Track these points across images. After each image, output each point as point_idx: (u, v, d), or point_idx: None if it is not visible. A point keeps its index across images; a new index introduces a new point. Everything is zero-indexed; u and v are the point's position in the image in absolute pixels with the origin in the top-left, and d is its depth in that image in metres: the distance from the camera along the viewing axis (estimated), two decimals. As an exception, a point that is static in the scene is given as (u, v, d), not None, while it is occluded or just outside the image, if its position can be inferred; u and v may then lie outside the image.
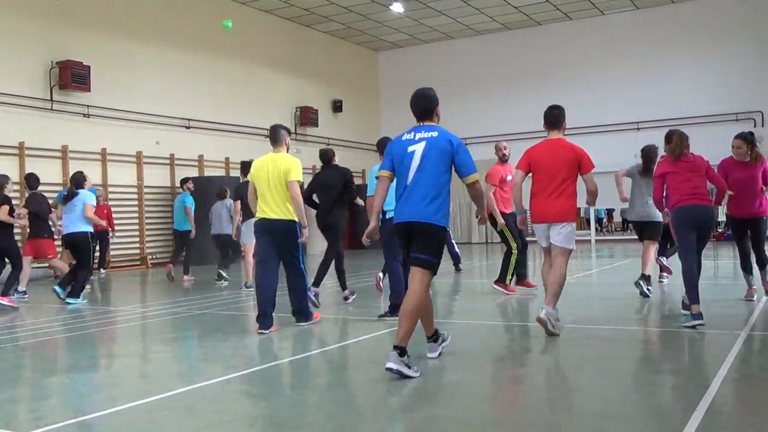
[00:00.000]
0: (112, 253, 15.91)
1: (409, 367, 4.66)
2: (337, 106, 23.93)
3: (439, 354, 5.26)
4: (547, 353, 5.70)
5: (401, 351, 4.65)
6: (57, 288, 9.84)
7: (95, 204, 10.13)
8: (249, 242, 10.44)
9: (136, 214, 16.73)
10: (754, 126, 20.60)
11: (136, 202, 16.77)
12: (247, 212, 10.13)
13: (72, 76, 15.13)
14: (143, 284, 13.45)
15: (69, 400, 4.62)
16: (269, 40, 21.25)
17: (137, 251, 16.86)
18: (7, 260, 9.72)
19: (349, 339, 6.61)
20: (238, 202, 10.77)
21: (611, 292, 9.86)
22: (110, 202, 15.75)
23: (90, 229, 9.86)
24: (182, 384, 4.82)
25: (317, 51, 23.04)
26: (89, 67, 15.54)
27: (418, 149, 4.91)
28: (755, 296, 7.78)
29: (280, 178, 6.71)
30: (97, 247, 14.91)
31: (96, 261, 14.99)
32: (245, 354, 6.07)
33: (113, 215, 15.17)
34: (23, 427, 3.80)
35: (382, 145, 7.37)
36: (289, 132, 7.23)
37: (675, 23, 21.87)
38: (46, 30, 15.25)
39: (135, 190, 16.78)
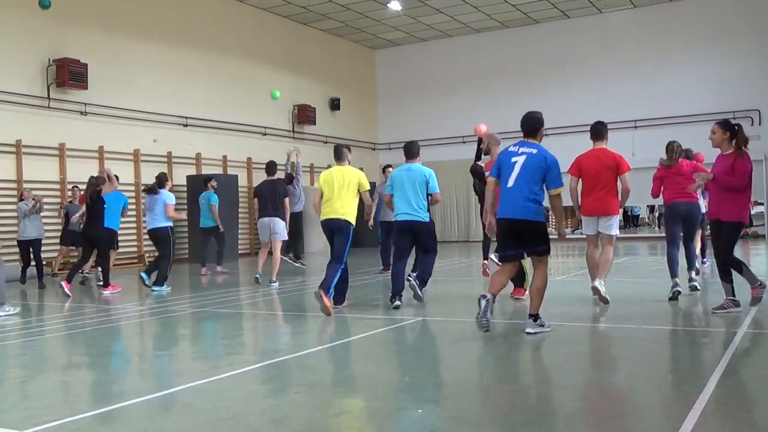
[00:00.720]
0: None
1: (542, 326, 6.07)
2: (334, 104, 23.92)
3: (535, 333, 6.03)
4: (543, 351, 5.70)
5: (535, 317, 6.06)
6: (143, 274, 10.82)
7: (174, 203, 11.00)
8: (263, 239, 11.17)
9: (134, 212, 16.70)
10: (752, 124, 20.63)
11: (133, 201, 16.74)
12: (262, 210, 10.97)
13: (69, 74, 15.11)
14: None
15: (67, 398, 4.62)
16: (267, 38, 21.23)
17: (134, 249, 16.84)
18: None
19: (348, 337, 6.61)
20: (256, 200, 11.29)
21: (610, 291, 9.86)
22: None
23: (170, 224, 10.87)
24: (180, 382, 4.81)
25: (315, 49, 23.02)
26: (87, 64, 15.52)
27: (520, 161, 6.08)
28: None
29: (348, 186, 8.00)
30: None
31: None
32: (244, 352, 6.07)
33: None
34: (21, 426, 3.80)
35: (407, 149, 8.36)
36: (349, 149, 8.53)
37: (673, 21, 21.88)
38: (44, 28, 15.22)
39: (132, 188, 16.76)
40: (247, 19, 20.60)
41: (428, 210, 8.06)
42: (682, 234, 8.19)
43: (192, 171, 18.27)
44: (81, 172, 15.71)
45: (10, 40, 14.62)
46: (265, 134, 20.90)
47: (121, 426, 3.86)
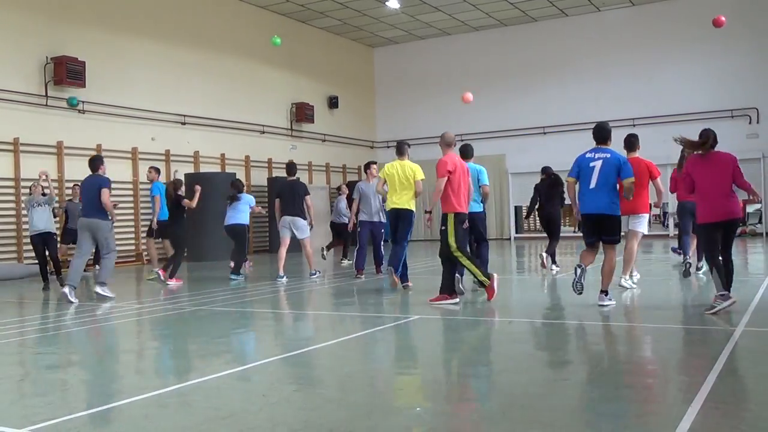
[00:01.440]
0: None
1: (610, 300, 7.33)
2: (332, 102, 23.90)
3: (605, 305, 7.26)
4: (541, 348, 5.71)
5: (606, 293, 7.34)
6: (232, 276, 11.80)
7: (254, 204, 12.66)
8: (283, 236, 11.56)
9: (131, 211, 16.69)
10: (749, 122, 20.66)
11: (131, 199, 16.74)
12: (284, 209, 11.44)
13: (67, 72, 15.08)
14: (147, 280, 13.42)
15: (63, 395, 4.61)
16: (265, 36, 21.17)
17: (132, 248, 16.82)
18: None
19: (347, 335, 6.61)
20: (278, 200, 11.73)
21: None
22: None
23: (247, 221, 12.36)
24: (178, 380, 4.81)
25: (313, 47, 23.00)
26: (84, 62, 15.50)
27: (597, 165, 7.34)
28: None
29: (408, 179, 9.55)
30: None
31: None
32: (243, 349, 6.07)
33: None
34: (19, 424, 3.79)
35: (463, 151, 9.51)
36: (409, 146, 10.12)
37: (670, 20, 21.89)
38: (41, 25, 15.20)
39: (130, 186, 16.75)
40: (245, 16, 20.58)
41: (482, 202, 9.34)
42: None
43: (190, 169, 18.26)
44: (79, 170, 15.65)
45: (7, 37, 14.60)
46: (263, 132, 20.89)
47: (120, 424, 3.85)
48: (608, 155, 7.37)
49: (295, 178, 11.86)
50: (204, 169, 18.46)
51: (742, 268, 10.78)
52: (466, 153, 9.42)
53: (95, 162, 9.87)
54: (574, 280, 7.37)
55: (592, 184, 7.30)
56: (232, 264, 12.13)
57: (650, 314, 7.25)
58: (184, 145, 18.31)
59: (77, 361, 5.85)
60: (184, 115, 18.25)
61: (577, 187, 7.48)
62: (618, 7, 22.38)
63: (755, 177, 15.12)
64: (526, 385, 4.40)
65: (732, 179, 6.80)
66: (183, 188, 12.09)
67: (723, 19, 10.85)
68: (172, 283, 11.29)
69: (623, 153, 8.33)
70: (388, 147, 26.03)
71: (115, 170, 16.41)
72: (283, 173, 21.01)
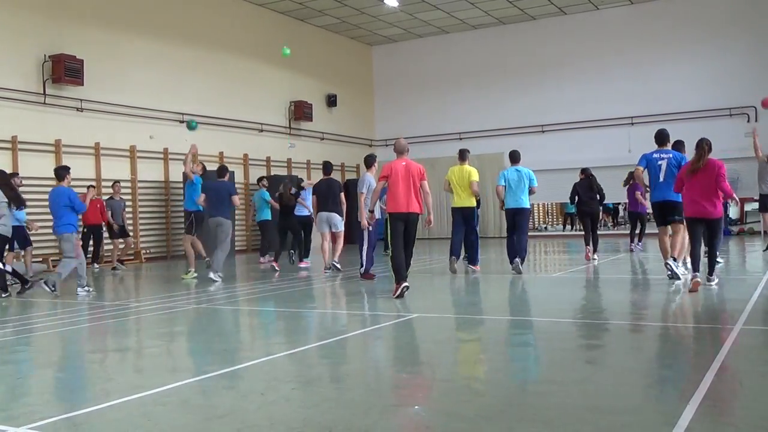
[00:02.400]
0: (106, 247, 15.87)
1: (677, 267, 9.11)
2: (331, 101, 23.89)
3: (671, 275, 9.12)
4: (539, 347, 5.72)
5: (674, 258, 9.14)
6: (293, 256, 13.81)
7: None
8: (322, 231, 12.41)
9: (130, 209, 16.68)
10: (747, 121, 20.66)
11: (129, 197, 16.72)
12: (321, 206, 12.35)
13: (65, 70, 15.07)
14: (147, 278, 13.41)
15: (62, 394, 4.61)
16: (263, 34, 21.19)
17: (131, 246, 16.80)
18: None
19: (346, 333, 6.61)
20: (314, 197, 12.62)
21: (606, 286, 9.89)
22: (103, 197, 15.71)
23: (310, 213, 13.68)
24: (177, 378, 4.81)
25: (311, 45, 22.99)
26: (83, 60, 15.49)
27: (663, 163, 9.27)
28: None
29: (466, 181, 11.26)
30: (91, 242, 14.94)
31: (90, 255, 15.01)
32: (242, 348, 6.07)
33: (106, 210, 15.14)
34: (16, 422, 3.79)
35: (513, 157, 11.55)
36: (469, 152, 12.12)
37: (669, 18, 21.90)
38: (40, 23, 15.18)
39: (129, 184, 16.74)
40: (243, 15, 20.56)
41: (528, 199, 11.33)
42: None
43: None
44: (77, 168, 15.67)
45: (5, 35, 14.58)
46: (262, 130, 20.88)
47: (118, 423, 3.85)
48: (669, 155, 9.29)
49: (331, 176, 12.79)
50: (202, 167, 18.43)
51: (740, 266, 10.78)
52: (514, 158, 11.43)
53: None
54: (671, 274, 9.18)
55: (661, 179, 9.21)
56: (275, 259, 13.03)
57: (649, 312, 7.26)
58: (183, 143, 18.27)
59: (73, 358, 5.84)
60: (183, 113, 18.23)
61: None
62: (617, 5, 22.39)
63: (754, 175, 15.17)
64: (524, 383, 4.40)
65: (716, 184, 8.12)
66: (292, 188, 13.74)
67: None
68: (264, 263, 13.44)
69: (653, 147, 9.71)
70: (387, 145, 26.03)
71: (113, 169, 16.43)
72: (282, 172, 21.09)
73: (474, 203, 11.35)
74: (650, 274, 11.07)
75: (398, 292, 8.39)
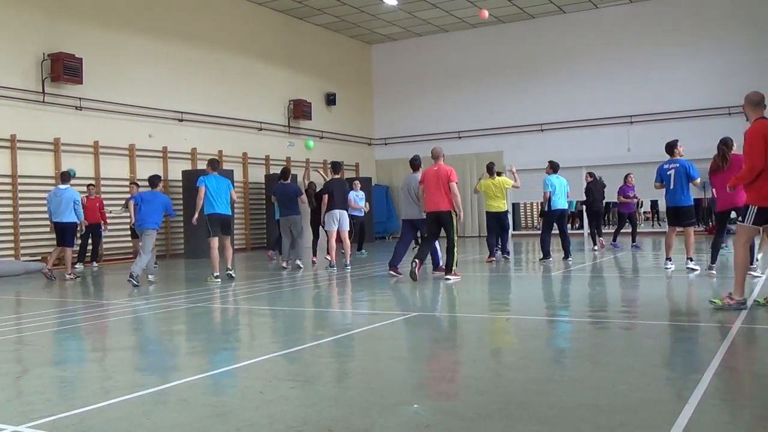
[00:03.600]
0: (105, 246, 15.87)
1: (695, 264, 10.09)
2: (330, 99, 23.89)
3: (693, 270, 9.97)
4: (538, 345, 5.72)
5: (691, 259, 10.15)
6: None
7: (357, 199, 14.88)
8: (331, 229, 12.81)
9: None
10: (747, 120, 20.64)
11: (128, 196, 16.68)
12: (332, 204, 12.71)
13: (64, 69, 15.06)
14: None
15: (61, 393, 4.61)
16: (262, 33, 21.18)
17: (130, 244, 16.78)
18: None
19: (345, 332, 6.61)
20: (326, 196, 12.92)
21: (605, 285, 9.90)
22: (102, 196, 15.72)
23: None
24: (176, 377, 4.81)
25: (310, 44, 22.99)
26: (81, 59, 15.48)
27: (672, 172, 10.26)
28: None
29: (500, 188, 13.31)
30: (90, 240, 14.94)
31: (89, 254, 15.01)
32: (241, 347, 6.07)
33: (105, 208, 15.15)
34: (15, 421, 3.79)
35: (553, 166, 13.31)
36: (494, 164, 14.05)
37: (668, 16, 21.89)
38: (38, 22, 15.17)
39: (127, 183, 16.72)
40: (242, 13, 20.55)
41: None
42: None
43: (187, 166, 18.25)
44: (76, 167, 15.69)
45: (4, 34, 14.58)
46: (261, 129, 20.88)
47: (117, 421, 3.85)
48: (677, 165, 10.27)
49: (342, 177, 13.34)
50: (201, 166, 18.40)
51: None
52: (554, 167, 13.18)
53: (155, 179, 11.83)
54: (667, 267, 10.56)
55: (671, 186, 10.26)
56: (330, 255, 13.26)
57: (648, 311, 7.27)
58: (182, 142, 18.29)
59: (70, 357, 5.84)
60: (182, 112, 18.24)
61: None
62: (616, 4, 22.39)
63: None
64: (524, 381, 4.41)
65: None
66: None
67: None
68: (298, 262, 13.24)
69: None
70: (386, 144, 26.04)
71: (113, 167, 16.43)
72: (280, 170, 21.07)
73: (507, 206, 13.20)
74: (649, 273, 11.08)
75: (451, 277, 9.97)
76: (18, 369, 5.43)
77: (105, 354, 6.02)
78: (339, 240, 12.90)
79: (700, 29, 21.58)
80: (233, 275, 11.32)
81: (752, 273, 9.01)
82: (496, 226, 13.56)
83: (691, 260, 10.16)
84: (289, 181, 13.29)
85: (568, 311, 7.43)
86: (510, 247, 15.19)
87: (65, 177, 12.55)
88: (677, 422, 3.41)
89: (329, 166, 14.16)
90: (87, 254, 14.97)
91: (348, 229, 13.18)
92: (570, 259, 12.83)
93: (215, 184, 11.21)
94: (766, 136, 6.73)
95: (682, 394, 3.89)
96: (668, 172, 10.31)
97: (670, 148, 10.52)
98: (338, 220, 12.75)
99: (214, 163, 11.78)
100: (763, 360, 5.01)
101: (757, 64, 20.62)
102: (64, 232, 12.28)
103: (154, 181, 11.75)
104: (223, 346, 6.07)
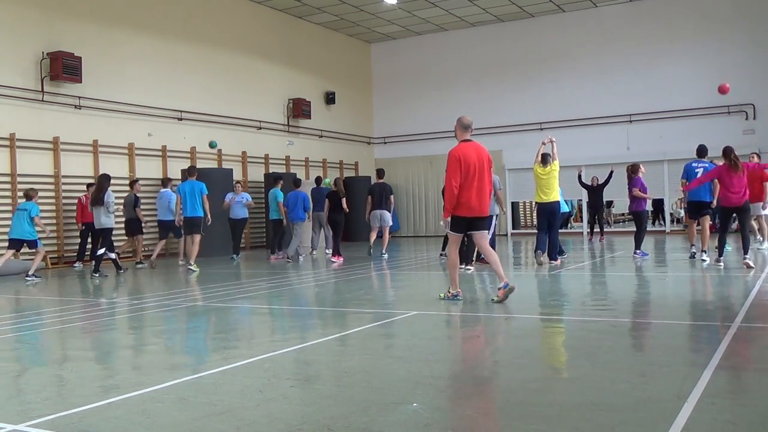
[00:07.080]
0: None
1: (708, 256, 11.30)
2: (329, 98, 23.88)
3: (705, 261, 11.24)
4: (538, 344, 5.72)
5: (705, 252, 11.42)
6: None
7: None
8: (374, 225, 15.05)
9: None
10: (746, 119, 20.67)
11: (124, 195, 16.67)
12: (375, 205, 14.90)
13: (63, 68, 15.05)
14: (151, 276, 13.40)
15: (61, 391, 4.61)
16: (261, 32, 21.17)
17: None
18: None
19: (344, 331, 6.61)
20: (369, 197, 15.12)
21: (605, 284, 9.90)
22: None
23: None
24: (175, 376, 4.81)
25: (310, 42, 22.98)
26: (81, 58, 15.47)
27: (700, 171, 11.53)
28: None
29: (553, 179, 12.25)
30: (89, 240, 14.92)
31: (88, 253, 14.98)
32: (240, 346, 6.06)
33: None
34: (14, 420, 3.79)
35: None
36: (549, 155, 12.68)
37: (668, 16, 21.90)
38: (37, 20, 15.15)
39: (127, 182, 16.70)
40: (242, 12, 20.54)
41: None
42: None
43: (187, 165, 18.22)
44: (75, 166, 15.70)
45: (3, 33, 14.57)
46: (260, 128, 20.87)
47: (116, 420, 3.85)
48: (706, 165, 11.76)
49: (383, 180, 15.39)
50: (200, 164, 18.41)
51: (739, 262, 10.78)
52: (701, 152, 12.55)
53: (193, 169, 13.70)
54: (692, 255, 12.09)
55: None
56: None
57: (647, 310, 7.27)
58: (181, 141, 18.29)
59: (72, 356, 5.84)
60: (181, 111, 18.23)
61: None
62: (615, 2, 22.38)
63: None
64: (523, 381, 4.41)
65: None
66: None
67: (728, 86, 13.10)
68: (336, 260, 14.16)
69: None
70: (385, 143, 26.03)
71: (112, 166, 16.40)
72: (280, 169, 21.07)
73: (559, 198, 12.49)
74: (650, 271, 11.09)
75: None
76: (17, 368, 5.43)
77: (105, 354, 6.01)
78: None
79: (699, 28, 21.58)
80: (192, 269, 12.70)
81: (748, 263, 10.18)
82: (551, 217, 12.44)
83: (705, 252, 11.39)
84: (319, 185, 16.53)
85: (568, 310, 7.43)
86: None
87: (191, 171, 13.81)
88: (676, 421, 3.41)
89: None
90: (86, 254, 14.95)
91: (390, 224, 15.20)
92: (555, 262, 12.18)
93: (188, 189, 13.25)
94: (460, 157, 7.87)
95: (681, 393, 3.89)
96: (696, 170, 11.68)
97: (703, 151, 12.02)
98: (379, 218, 14.97)
99: (191, 170, 13.67)
100: (762, 358, 5.01)
101: (757, 63, 20.63)
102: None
103: (297, 182, 15.05)
104: (223, 344, 6.07)
